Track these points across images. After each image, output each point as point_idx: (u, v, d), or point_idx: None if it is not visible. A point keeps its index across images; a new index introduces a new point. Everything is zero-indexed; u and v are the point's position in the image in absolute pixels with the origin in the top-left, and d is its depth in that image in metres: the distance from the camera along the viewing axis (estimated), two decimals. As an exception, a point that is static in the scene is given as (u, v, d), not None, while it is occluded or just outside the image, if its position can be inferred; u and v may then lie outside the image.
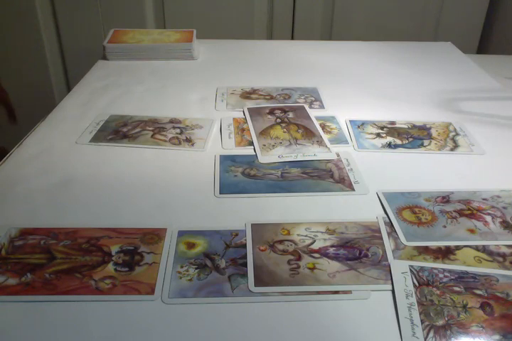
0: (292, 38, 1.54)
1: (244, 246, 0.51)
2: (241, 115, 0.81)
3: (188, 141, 0.73)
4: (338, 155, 0.69)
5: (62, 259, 0.49)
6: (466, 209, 0.58)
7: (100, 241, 0.52)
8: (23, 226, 0.54)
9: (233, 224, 0.55)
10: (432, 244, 0.52)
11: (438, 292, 0.46)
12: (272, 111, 0.82)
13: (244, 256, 0.50)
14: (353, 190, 0.62)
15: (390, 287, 0.47)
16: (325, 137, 0.74)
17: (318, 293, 0.46)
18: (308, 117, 0.80)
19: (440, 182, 0.64)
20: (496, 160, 0.69)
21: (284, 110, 0.82)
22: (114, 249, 0.51)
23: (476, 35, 1.54)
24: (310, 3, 1.48)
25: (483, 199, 0.60)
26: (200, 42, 1.15)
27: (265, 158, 0.68)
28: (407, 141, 0.74)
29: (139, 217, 0.56)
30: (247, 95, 0.89)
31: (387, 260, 0.50)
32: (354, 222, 0.55)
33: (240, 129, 0.76)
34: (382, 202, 0.59)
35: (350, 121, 0.79)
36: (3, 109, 1.34)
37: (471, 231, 0.54)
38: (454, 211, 0.57)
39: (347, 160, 0.68)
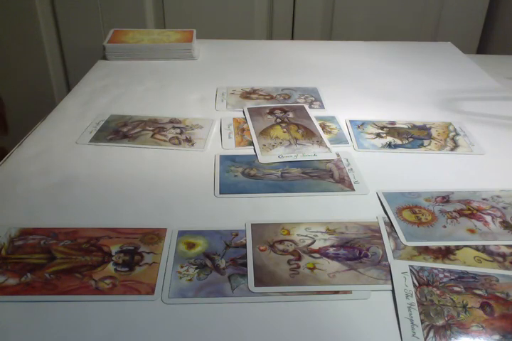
0: (292, 38, 1.54)
1: (244, 246, 0.51)
2: (241, 115, 0.81)
3: (188, 141, 0.73)
4: (338, 155, 0.69)
5: (62, 259, 0.49)
6: (466, 209, 0.58)
7: (100, 241, 0.52)
8: (23, 226, 0.54)
9: (233, 224, 0.55)
10: (432, 244, 0.52)
11: (438, 292, 0.46)
12: (272, 111, 0.82)
13: (244, 256, 0.50)
14: (353, 190, 0.62)
15: (390, 287, 0.47)
16: (325, 137, 0.74)
17: (318, 293, 0.46)
18: (308, 117, 0.80)
19: (440, 182, 0.64)
20: (496, 160, 0.69)
21: (284, 110, 0.82)
22: (114, 249, 0.51)
23: (476, 35, 1.54)
24: (310, 3, 1.48)
25: (483, 199, 0.60)
26: (200, 42, 1.15)
27: (265, 158, 0.68)
28: (407, 141, 0.74)
29: (139, 217, 0.56)
30: (247, 95, 0.89)
31: (387, 260, 0.50)
32: (354, 222, 0.55)
33: (240, 129, 0.76)
34: (382, 202, 0.59)
35: (350, 121, 0.79)
36: None
37: (471, 231, 0.54)
38: (454, 211, 0.57)
39: (347, 160, 0.68)
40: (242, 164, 0.67)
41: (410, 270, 0.48)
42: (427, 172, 0.66)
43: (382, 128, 0.77)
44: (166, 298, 0.45)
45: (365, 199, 0.60)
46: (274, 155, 0.69)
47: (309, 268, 0.49)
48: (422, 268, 0.48)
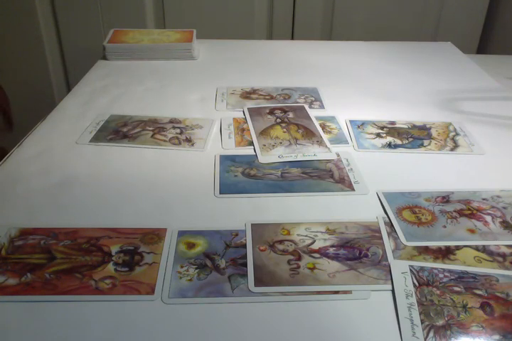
0: (292, 38, 1.54)
1: (244, 246, 0.51)
2: (241, 115, 0.81)
3: (188, 141, 0.73)
4: (338, 155, 0.69)
5: (62, 259, 0.49)
6: (466, 209, 0.58)
7: (100, 241, 0.52)
8: (23, 226, 0.54)
9: (233, 224, 0.55)
10: (432, 244, 0.52)
11: (438, 292, 0.46)
12: (272, 111, 0.82)
13: (244, 256, 0.50)
14: (353, 190, 0.62)
15: (390, 287, 0.47)
16: (325, 137, 0.74)
17: (318, 293, 0.46)
18: (308, 117, 0.80)
19: (440, 182, 0.64)
20: (496, 160, 0.69)
21: (284, 110, 0.82)
22: (114, 249, 0.51)
23: (476, 35, 1.54)
24: (310, 3, 1.48)
25: (483, 199, 0.60)
26: (200, 42, 1.15)
27: (265, 158, 0.68)
28: (407, 141, 0.74)
29: (139, 217, 0.56)
30: (247, 95, 0.89)
31: (387, 260, 0.50)
32: (354, 222, 0.55)
33: (240, 129, 0.76)
34: (382, 202, 0.59)
35: (350, 121, 0.79)
36: (1, 116, 1.35)
37: (471, 231, 0.54)
38: (454, 211, 0.57)
39: (347, 160, 0.68)
40: (242, 164, 0.67)
41: (410, 270, 0.48)
42: (427, 172, 0.66)
43: (382, 128, 0.77)
44: (166, 298, 0.45)
45: (365, 199, 0.60)
46: (274, 155, 0.69)
47: (309, 268, 0.49)
48: (422, 268, 0.48)
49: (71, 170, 0.65)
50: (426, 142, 0.73)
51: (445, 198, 0.60)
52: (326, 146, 0.71)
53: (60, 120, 0.79)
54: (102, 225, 0.54)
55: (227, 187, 0.62)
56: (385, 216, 0.57)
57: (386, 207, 0.58)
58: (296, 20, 1.51)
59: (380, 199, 0.60)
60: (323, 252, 0.51)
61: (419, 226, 0.55)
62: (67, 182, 0.62)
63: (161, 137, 0.74)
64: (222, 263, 0.49)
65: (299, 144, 0.72)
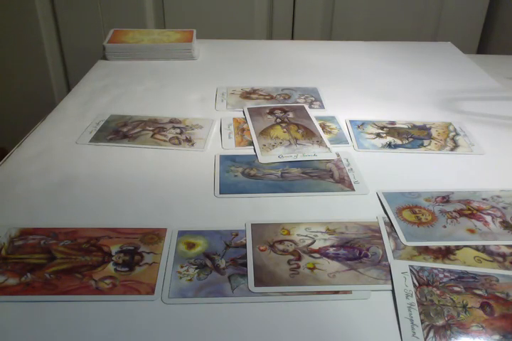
0: (292, 38, 1.54)
1: (244, 246, 0.51)
2: (241, 115, 0.81)
3: (188, 141, 0.73)
4: (338, 155, 0.69)
5: (62, 259, 0.49)
6: (466, 209, 0.58)
7: (100, 241, 0.52)
8: (23, 226, 0.54)
9: (233, 224, 0.55)
10: (432, 244, 0.52)
11: (438, 292, 0.46)
12: (272, 111, 0.82)
13: (244, 256, 0.50)
14: (353, 190, 0.62)
15: (390, 287, 0.47)
16: (325, 137, 0.74)
17: (318, 293, 0.46)
18: (308, 117, 0.80)
19: (440, 182, 0.64)
20: (496, 160, 0.69)
21: (284, 110, 0.82)
22: (114, 249, 0.51)
23: (476, 35, 1.54)
24: (310, 3, 1.48)
25: (483, 199, 0.60)
26: (200, 42, 1.15)
27: (265, 158, 0.68)
28: (407, 141, 0.74)
29: (139, 217, 0.56)
30: (247, 95, 0.89)
31: (387, 260, 0.50)
32: (354, 222, 0.55)
33: (240, 129, 0.76)
34: (382, 202, 0.59)
35: (350, 121, 0.79)
36: None
37: (471, 231, 0.54)
38: (454, 211, 0.57)
39: (347, 160, 0.68)
40: (242, 164, 0.67)
41: (410, 270, 0.48)
42: (427, 172, 0.66)
43: (382, 128, 0.77)
44: (166, 298, 0.45)
45: (365, 199, 0.60)
46: (274, 155, 0.69)
47: (309, 268, 0.49)
48: (422, 268, 0.48)
49: (71, 170, 0.65)
50: (426, 142, 0.73)
51: (445, 198, 0.60)
52: (326, 146, 0.71)
53: (60, 120, 0.79)
54: (102, 225, 0.54)
55: (227, 187, 0.62)
56: (385, 216, 0.57)
57: (386, 207, 0.58)
58: (296, 20, 1.51)
59: (380, 199, 0.60)
60: (323, 252, 0.51)
61: (419, 226, 0.55)
62: (67, 182, 0.62)
63: (161, 137, 0.74)
64: (222, 263, 0.49)
65: (299, 144, 0.72)
